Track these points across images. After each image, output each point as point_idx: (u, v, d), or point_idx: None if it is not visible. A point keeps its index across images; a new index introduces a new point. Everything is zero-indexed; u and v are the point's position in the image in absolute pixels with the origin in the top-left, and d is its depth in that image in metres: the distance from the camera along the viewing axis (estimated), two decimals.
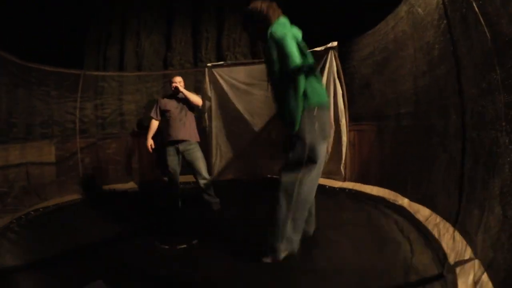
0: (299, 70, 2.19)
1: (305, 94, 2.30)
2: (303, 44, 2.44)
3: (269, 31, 2.32)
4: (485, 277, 1.99)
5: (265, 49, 2.36)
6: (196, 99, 4.27)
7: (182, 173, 4.40)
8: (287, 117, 2.30)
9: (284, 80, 2.27)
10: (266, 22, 2.44)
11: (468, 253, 2.35)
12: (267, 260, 2.52)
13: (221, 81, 5.79)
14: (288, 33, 2.28)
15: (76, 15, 8.22)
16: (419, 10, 3.42)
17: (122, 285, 2.41)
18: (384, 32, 4.21)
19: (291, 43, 2.22)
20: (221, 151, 6.05)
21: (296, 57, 2.20)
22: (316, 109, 2.35)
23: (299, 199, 2.43)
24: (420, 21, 3.41)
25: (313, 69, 2.46)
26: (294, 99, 2.23)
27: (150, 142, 4.31)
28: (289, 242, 2.51)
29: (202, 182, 4.26)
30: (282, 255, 2.51)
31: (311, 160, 2.38)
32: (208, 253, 2.92)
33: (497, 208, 2.15)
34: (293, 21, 2.55)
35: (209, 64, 5.94)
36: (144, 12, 7.41)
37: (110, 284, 2.33)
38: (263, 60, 6.08)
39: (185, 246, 3.02)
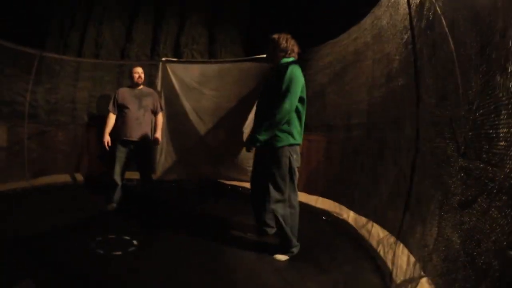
0: (289, 112, 2.72)
1: (292, 132, 2.82)
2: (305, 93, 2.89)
3: (289, 67, 2.75)
4: None
5: (279, 78, 2.76)
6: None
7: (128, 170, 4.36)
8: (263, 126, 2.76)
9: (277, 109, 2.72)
10: (284, 52, 2.92)
11: (416, 271, 2.21)
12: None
13: (173, 77, 5.57)
14: (301, 82, 2.80)
15: None
16: (384, 21, 3.36)
17: (51, 286, 2.34)
18: (345, 43, 4.14)
19: (298, 93, 2.74)
20: (167, 149, 5.79)
21: (293, 105, 2.73)
22: (298, 147, 2.93)
23: None
24: (383, 33, 3.35)
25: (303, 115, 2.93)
26: (274, 123, 2.72)
27: (108, 139, 4.14)
28: None
29: (145, 183, 4.38)
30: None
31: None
32: (142, 261, 2.86)
33: (434, 227, 2.06)
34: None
35: (163, 59, 5.72)
36: (110, 1, 7.20)
37: (40, 284, 2.29)
38: (219, 60, 6.16)
39: (120, 253, 2.94)
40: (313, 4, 6.48)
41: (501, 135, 1.35)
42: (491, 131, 1.43)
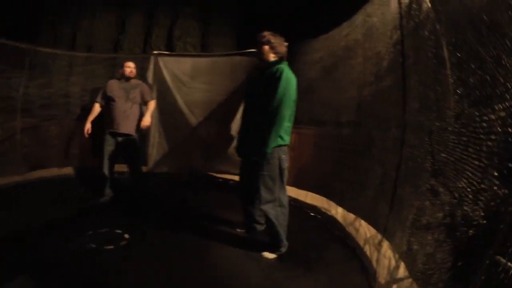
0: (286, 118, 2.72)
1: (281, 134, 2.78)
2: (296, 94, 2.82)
3: (283, 70, 2.71)
4: None
5: (271, 79, 2.72)
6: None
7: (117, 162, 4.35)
8: (266, 138, 2.69)
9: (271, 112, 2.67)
10: (273, 51, 2.86)
11: (401, 271, 2.23)
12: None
13: (164, 70, 5.55)
14: (295, 86, 2.74)
15: None
16: (375, 19, 3.34)
17: (46, 282, 2.36)
18: (337, 38, 4.11)
19: (293, 98, 2.74)
20: (158, 142, 5.78)
21: (290, 110, 2.73)
22: (287, 147, 2.91)
23: None
24: (374, 31, 3.32)
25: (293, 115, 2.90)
26: (276, 132, 2.68)
27: (88, 127, 4.23)
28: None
29: (134, 176, 4.40)
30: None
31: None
32: (133, 255, 2.90)
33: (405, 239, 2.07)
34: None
35: (155, 52, 5.68)
36: None
37: (33, 279, 2.33)
38: (210, 53, 6.16)
39: (112, 246, 2.99)
40: None
41: (467, 171, 1.30)
42: (459, 163, 1.37)
